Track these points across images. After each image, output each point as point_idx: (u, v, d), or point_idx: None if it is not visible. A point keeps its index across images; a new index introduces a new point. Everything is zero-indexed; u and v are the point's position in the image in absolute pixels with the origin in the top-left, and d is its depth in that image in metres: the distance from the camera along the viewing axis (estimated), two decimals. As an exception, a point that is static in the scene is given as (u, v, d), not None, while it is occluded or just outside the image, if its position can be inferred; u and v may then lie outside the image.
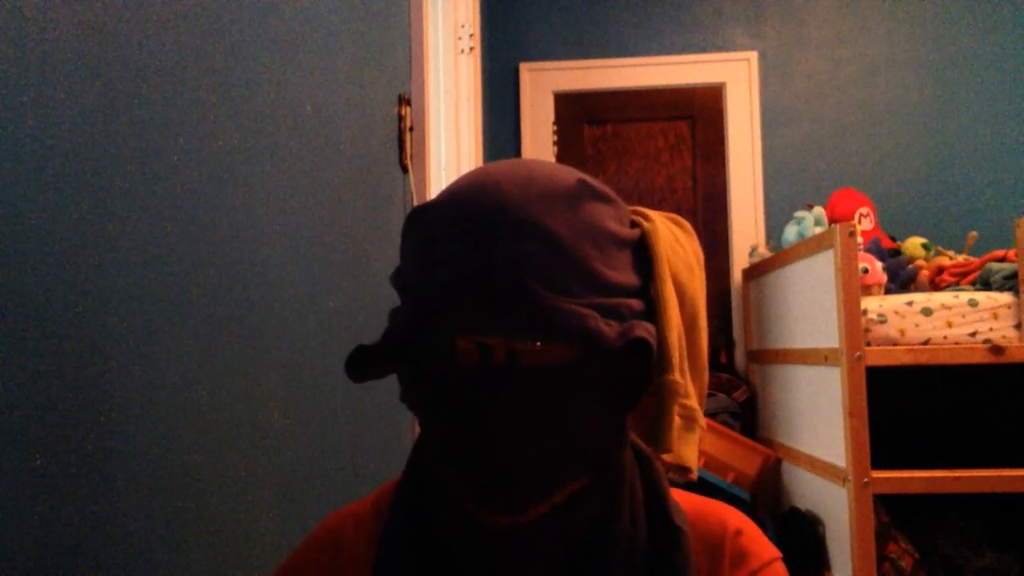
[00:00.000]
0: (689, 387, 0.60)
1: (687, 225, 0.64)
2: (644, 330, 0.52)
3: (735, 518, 0.63)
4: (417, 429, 1.60)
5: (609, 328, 0.51)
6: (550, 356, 0.52)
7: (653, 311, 0.57)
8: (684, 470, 0.59)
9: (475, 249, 0.50)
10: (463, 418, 0.52)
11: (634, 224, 0.58)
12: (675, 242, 0.60)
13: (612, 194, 0.57)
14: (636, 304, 0.54)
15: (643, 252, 0.57)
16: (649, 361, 0.53)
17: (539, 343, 0.51)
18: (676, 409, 0.57)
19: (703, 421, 0.61)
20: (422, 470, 0.62)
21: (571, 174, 0.55)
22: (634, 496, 0.59)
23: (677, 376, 0.56)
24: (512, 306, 0.49)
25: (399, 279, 0.56)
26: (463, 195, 0.53)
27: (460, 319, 0.50)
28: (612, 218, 0.55)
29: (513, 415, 0.51)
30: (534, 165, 0.55)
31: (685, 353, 0.59)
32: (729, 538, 0.61)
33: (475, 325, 0.50)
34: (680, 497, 0.64)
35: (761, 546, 0.61)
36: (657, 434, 0.56)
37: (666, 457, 0.57)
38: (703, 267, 0.63)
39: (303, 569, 0.63)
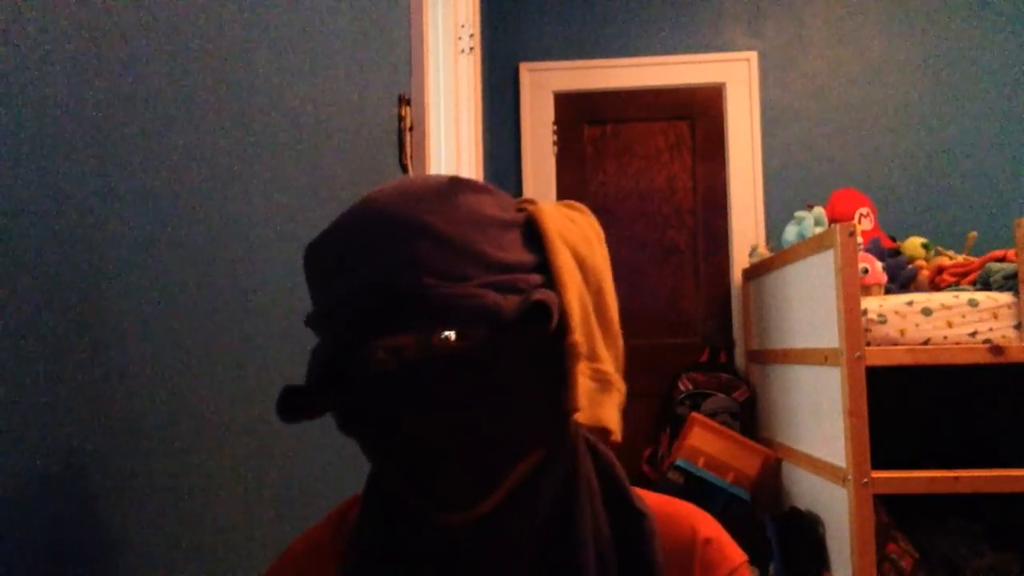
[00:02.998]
0: (602, 352, 0.60)
1: (582, 207, 0.66)
2: (543, 295, 0.54)
3: (704, 524, 0.63)
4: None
5: (507, 301, 0.53)
6: (461, 343, 0.53)
7: (552, 284, 0.58)
8: (605, 432, 0.59)
9: (366, 261, 0.52)
10: (393, 423, 0.53)
11: (521, 210, 0.60)
12: (567, 219, 0.62)
13: (491, 186, 0.59)
14: (535, 278, 0.56)
15: (533, 232, 0.58)
16: (549, 321, 0.53)
17: (445, 332, 0.53)
18: (584, 371, 0.57)
19: (621, 385, 0.61)
20: (376, 487, 0.62)
21: (444, 177, 0.58)
22: (589, 485, 0.60)
23: (577, 336, 0.56)
24: (412, 303, 0.51)
25: (309, 318, 0.57)
26: (348, 219, 0.55)
27: (368, 326, 0.52)
28: (492, 205, 0.57)
29: (439, 408, 0.52)
30: (408, 178, 0.59)
31: (592, 319, 0.60)
32: (699, 545, 0.61)
33: (383, 329, 0.52)
34: (645, 496, 0.64)
35: (731, 551, 0.62)
36: (570, 397, 0.56)
37: (582, 419, 0.57)
38: (603, 241, 0.64)
39: None
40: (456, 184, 0.56)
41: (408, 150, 1.57)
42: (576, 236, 0.61)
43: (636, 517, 0.60)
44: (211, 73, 0.80)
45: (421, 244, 0.52)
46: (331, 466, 1.13)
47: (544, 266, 0.57)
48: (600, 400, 0.59)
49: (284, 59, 1.00)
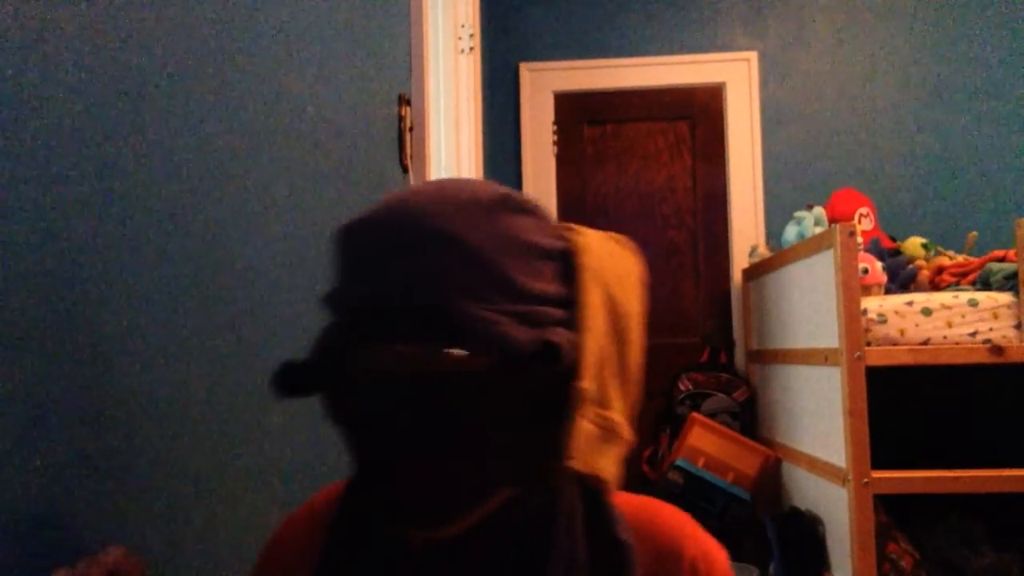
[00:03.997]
0: (614, 398, 0.58)
1: (627, 242, 0.64)
2: (559, 336, 0.53)
3: (690, 542, 0.60)
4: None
5: (522, 334, 0.52)
6: (467, 363, 0.52)
7: (575, 322, 0.56)
8: (600, 481, 0.57)
9: (395, 263, 0.52)
10: (378, 428, 0.52)
11: (563, 239, 0.59)
12: (608, 256, 0.60)
13: (539, 209, 0.58)
14: (556, 312, 0.55)
15: (571, 264, 0.57)
16: (559, 366, 0.52)
17: (454, 350, 0.51)
18: (589, 416, 0.56)
19: (628, 433, 0.59)
20: (351, 490, 0.62)
21: (495, 189, 0.56)
22: (573, 510, 0.58)
23: (586, 383, 0.55)
24: (427, 316, 0.50)
25: (325, 298, 0.57)
26: (385, 212, 0.54)
27: (377, 330, 0.52)
28: (534, 230, 0.56)
29: (430, 421, 0.52)
30: (457, 181, 0.57)
31: (610, 365, 0.58)
32: (686, 569, 0.58)
33: (391, 335, 0.51)
34: (628, 501, 0.62)
35: (718, 557, 0.60)
36: (568, 442, 0.55)
37: (577, 466, 0.55)
38: (641, 283, 0.62)
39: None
40: (504, 201, 0.55)
41: (408, 150, 1.57)
42: (613, 276, 0.59)
43: (618, 547, 0.57)
44: (211, 73, 0.80)
45: (450, 259, 0.51)
46: (331, 466, 1.13)
47: (571, 300, 0.57)
48: (601, 449, 0.57)
49: (284, 59, 1.00)
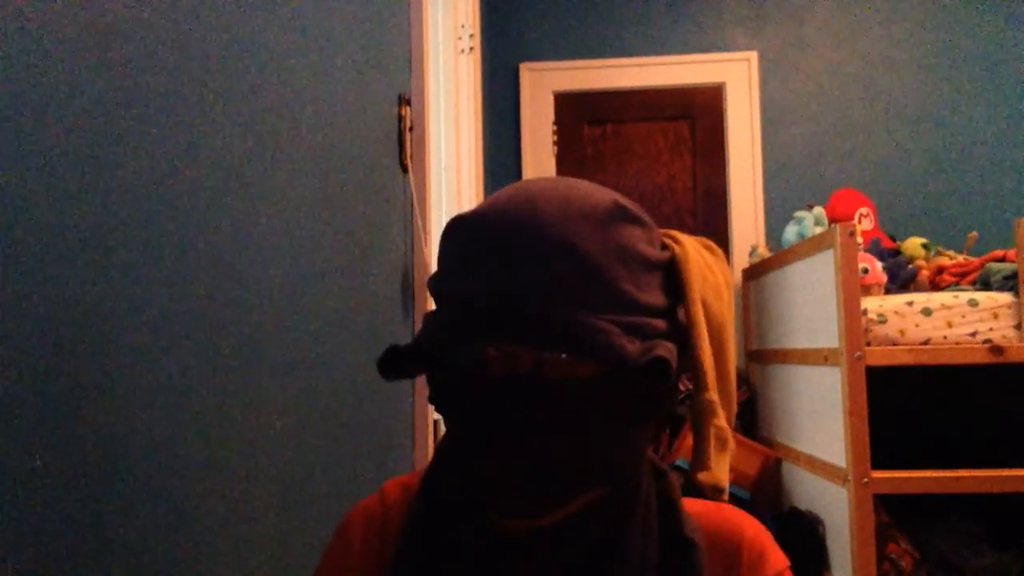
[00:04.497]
0: (719, 406, 0.62)
1: (718, 250, 0.66)
2: (666, 350, 0.54)
3: (750, 525, 0.64)
4: (418, 434, 1.60)
5: (632, 345, 0.53)
6: (575, 370, 0.55)
7: (678, 332, 0.59)
8: (718, 490, 0.61)
9: (510, 265, 0.53)
10: (488, 422, 0.54)
11: (665, 247, 0.61)
12: (705, 267, 0.62)
13: (646, 217, 0.59)
14: (660, 324, 0.57)
15: (672, 274, 0.59)
16: (668, 380, 0.55)
17: (564, 355, 0.54)
18: (712, 429, 0.59)
19: (733, 442, 0.62)
20: (442, 475, 0.64)
21: (608, 196, 0.58)
22: (648, 510, 0.61)
23: (713, 395, 0.58)
24: (541, 321, 0.52)
25: (436, 284, 0.58)
26: (501, 210, 0.55)
27: (491, 330, 0.53)
28: (644, 240, 0.57)
29: (536, 423, 0.54)
30: (573, 184, 0.58)
31: (712, 374, 0.61)
32: (746, 546, 0.63)
33: (505, 336, 0.53)
34: (695, 503, 0.66)
35: (776, 554, 0.63)
36: (696, 454, 0.59)
37: (701, 476, 0.59)
38: (731, 289, 0.65)
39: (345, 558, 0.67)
40: (618, 211, 0.56)
41: (408, 150, 1.57)
42: (709, 287, 0.61)
43: (686, 546, 0.61)
44: (211, 74, 0.80)
45: (565, 265, 0.53)
46: (331, 467, 1.13)
47: (672, 311, 0.59)
48: (719, 459, 0.60)
49: (284, 59, 1.00)
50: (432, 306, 1.44)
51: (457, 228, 0.57)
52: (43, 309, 0.55)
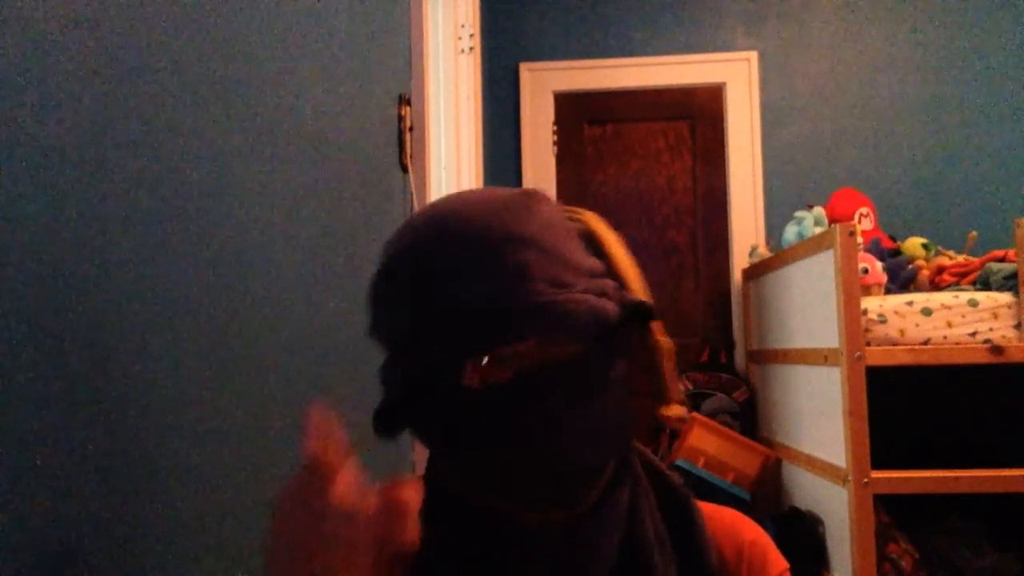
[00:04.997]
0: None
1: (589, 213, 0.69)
2: (630, 299, 0.57)
3: (750, 529, 0.65)
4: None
5: (608, 304, 0.54)
6: (571, 347, 0.54)
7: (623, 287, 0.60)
8: (681, 420, 0.63)
9: (473, 272, 0.52)
10: (500, 434, 0.53)
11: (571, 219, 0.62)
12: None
13: (549, 195, 0.61)
14: (611, 283, 0.58)
15: (590, 239, 0.61)
16: (653, 316, 0.57)
17: (561, 337, 0.53)
18: (668, 364, 0.61)
19: (672, 344, 0.64)
20: (443, 491, 0.62)
21: (511, 188, 0.59)
22: (647, 488, 0.62)
23: (661, 335, 0.60)
24: (529, 312, 0.51)
25: (383, 334, 0.57)
26: (431, 233, 0.54)
27: (479, 339, 0.52)
28: (560, 214, 0.59)
29: (553, 414, 0.53)
30: (478, 191, 0.59)
31: None
32: (746, 547, 0.63)
33: (497, 340, 0.52)
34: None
35: (776, 557, 0.64)
36: (657, 393, 0.61)
37: (666, 411, 0.60)
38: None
39: None
40: (530, 194, 0.57)
41: (408, 150, 1.57)
42: (613, 240, 0.63)
43: (688, 516, 0.61)
44: (211, 74, 0.80)
45: (529, 254, 0.53)
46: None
47: (607, 271, 0.60)
48: (674, 387, 0.62)
49: (284, 59, 1.00)
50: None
51: (386, 275, 0.56)
52: (43, 309, 0.55)
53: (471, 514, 0.59)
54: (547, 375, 0.53)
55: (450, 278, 0.52)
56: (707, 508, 0.66)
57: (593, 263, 0.58)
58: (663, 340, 0.60)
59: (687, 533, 0.60)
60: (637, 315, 0.56)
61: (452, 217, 0.54)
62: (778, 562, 0.63)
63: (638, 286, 0.60)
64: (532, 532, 0.56)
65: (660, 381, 0.60)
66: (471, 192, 0.58)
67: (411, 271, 0.54)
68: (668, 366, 0.60)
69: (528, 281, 0.52)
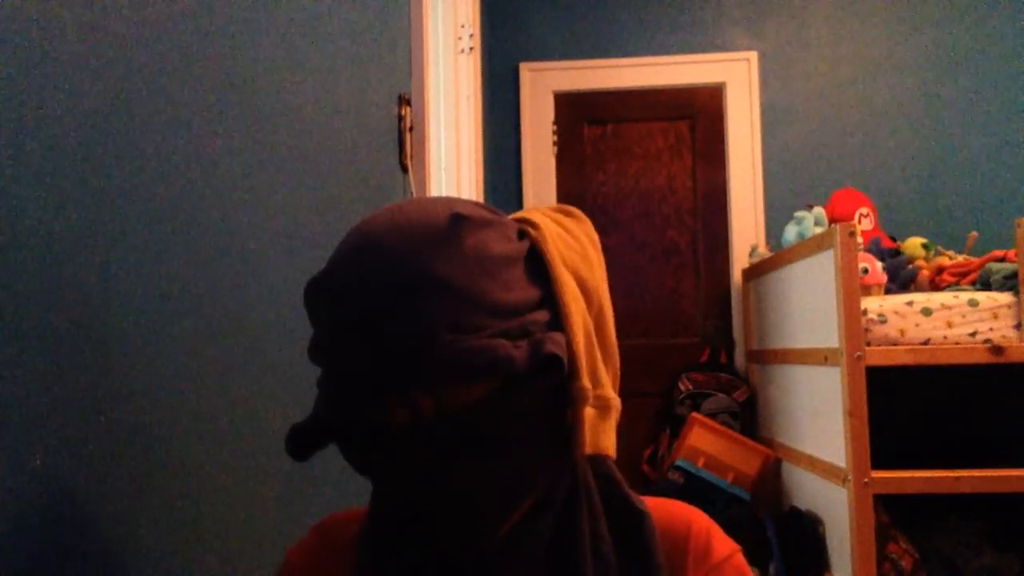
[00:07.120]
0: (602, 374, 0.61)
1: (575, 212, 0.65)
2: (552, 343, 0.54)
3: (696, 517, 0.64)
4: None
5: (518, 351, 0.52)
6: (474, 393, 0.53)
7: (559, 318, 0.58)
8: (604, 458, 0.62)
9: (377, 314, 0.51)
10: (407, 475, 0.54)
11: (522, 235, 0.59)
12: (566, 236, 0.61)
13: (491, 215, 0.57)
14: (542, 316, 0.56)
15: (537, 260, 0.58)
16: (562, 372, 0.54)
17: (459, 386, 0.53)
18: (589, 407, 0.59)
19: (618, 403, 0.63)
20: (382, 517, 0.63)
21: (444, 209, 0.55)
22: (589, 488, 0.61)
23: (585, 382, 0.57)
24: (426, 359, 0.50)
25: (315, 355, 0.56)
26: (350, 263, 0.53)
27: (381, 382, 0.52)
28: (495, 240, 0.55)
29: (454, 458, 0.53)
30: (408, 210, 0.55)
31: (595, 352, 0.61)
32: (692, 536, 0.62)
33: (395, 385, 0.52)
34: (644, 502, 0.65)
35: (721, 541, 0.63)
36: (578, 434, 0.59)
37: (588, 451, 0.59)
38: (599, 249, 0.64)
39: None
40: (458, 223, 0.54)
41: (408, 150, 1.57)
42: (576, 255, 0.61)
43: (636, 517, 0.61)
44: (211, 74, 0.80)
45: (432, 298, 0.51)
46: (330, 467, 1.13)
47: (549, 296, 0.57)
48: (601, 428, 0.60)
49: (284, 59, 1.00)
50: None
51: (312, 292, 0.56)
52: (43, 309, 0.55)
53: (400, 543, 0.60)
54: (448, 422, 0.53)
55: (361, 312, 0.52)
56: (654, 501, 0.65)
57: (527, 294, 0.55)
58: (584, 388, 0.57)
59: (638, 556, 0.59)
60: (547, 364, 0.54)
61: (374, 247, 0.53)
62: (724, 547, 0.62)
63: (579, 313, 0.58)
64: (451, 563, 0.57)
65: (576, 425, 0.58)
66: (407, 212, 0.55)
67: (332, 293, 0.54)
68: (582, 414, 0.58)
69: (427, 327, 0.50)
